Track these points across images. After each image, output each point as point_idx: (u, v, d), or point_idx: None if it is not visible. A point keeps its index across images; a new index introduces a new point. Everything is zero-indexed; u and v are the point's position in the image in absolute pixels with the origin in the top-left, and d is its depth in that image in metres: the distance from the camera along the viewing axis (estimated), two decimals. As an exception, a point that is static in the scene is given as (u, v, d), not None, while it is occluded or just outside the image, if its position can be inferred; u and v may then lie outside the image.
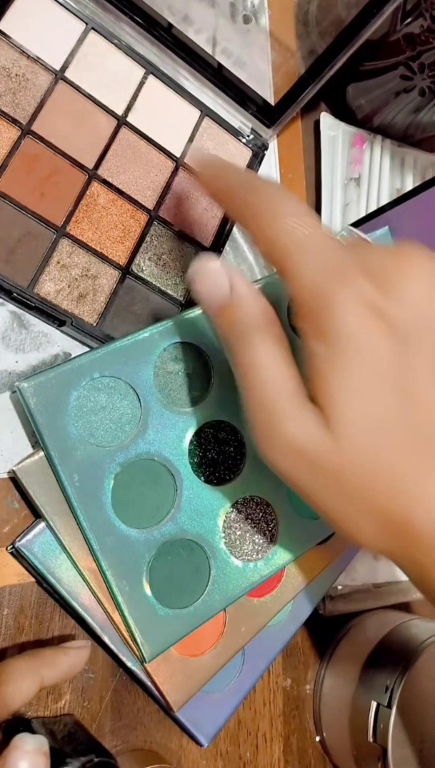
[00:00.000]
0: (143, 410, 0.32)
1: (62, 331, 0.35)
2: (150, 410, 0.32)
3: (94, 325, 0.34)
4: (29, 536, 0.31)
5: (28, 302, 0.33)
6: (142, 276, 0.36)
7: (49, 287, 0.33)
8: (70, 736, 0.29)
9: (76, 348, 0.35)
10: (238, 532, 0.34)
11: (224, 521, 0.34)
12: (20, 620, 0.32)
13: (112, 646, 0.32)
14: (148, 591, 0.31)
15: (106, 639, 0.32)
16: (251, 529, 0.34)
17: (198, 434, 0.33)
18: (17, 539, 0.31)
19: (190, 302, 0.37)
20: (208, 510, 0.33)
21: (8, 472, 0.32)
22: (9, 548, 0.31)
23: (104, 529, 0.30)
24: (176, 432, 0.32)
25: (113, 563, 0.30)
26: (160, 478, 0.32)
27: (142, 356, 0.32)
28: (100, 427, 0.31)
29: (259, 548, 0.34)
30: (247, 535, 0.34)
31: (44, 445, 0.30)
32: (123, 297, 0.35)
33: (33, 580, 0.32)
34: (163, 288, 0.37)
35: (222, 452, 0.34)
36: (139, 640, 0.30)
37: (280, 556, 0.35)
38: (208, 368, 0.34)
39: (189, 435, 0.33)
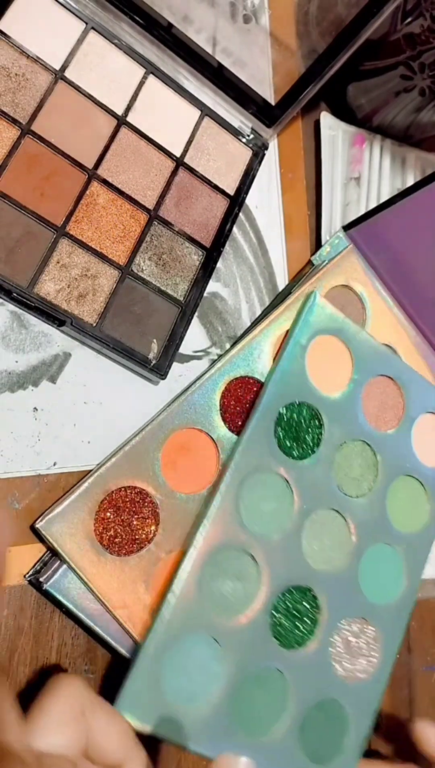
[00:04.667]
0: (225, 652, 0.32)
1: (62, 331, 0.35)
2: (226, 646, 0.32)
3: (94, 325, 0.34)
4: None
5: (28, 302, 0.32)
6: (142, 276, 0.36)
7: (48, 287, 0.33)
8: None
9: (76, 348, 0.35)
10: (348, 661, 0.36)
11: (335, 668, 0.35)
12: (20, 621, 0.32)
13: (117, 646, 0.32)
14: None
15: (112, 641, 0.32)
16: (356, 650, 0.36)
17: (271, 622, 0.34)
18: (33, 569, 0.32)
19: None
20: (317, 664, 0.35)
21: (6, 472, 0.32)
22: (27, 578, 0.31)
23: (249, 752, 0.31)
24: (256, 637, 0.33)
25: None
26: (267, 678, 0.33)
27: (190, 623, 0.31)
28: (194, 687, 0.31)
29: (370, 659, 0.36)
30: (357, 660, 0.36)
31: (168, 737, 0.30)
32: (123, 297, 0.35)
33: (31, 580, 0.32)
34: (163, 288, 0.37)
35: (297, 614, 0.35)
36: None
37: (389, 649, 0.37)
38: (249, 559, 0.34)
39: (266, 631, 0.33)
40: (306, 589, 0.35)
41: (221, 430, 0.36)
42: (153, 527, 0.33)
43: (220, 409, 0.36)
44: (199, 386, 0.36)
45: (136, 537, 0.32)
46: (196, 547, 0.32)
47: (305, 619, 0.35)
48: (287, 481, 0.35)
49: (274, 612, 0.34)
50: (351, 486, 0.38)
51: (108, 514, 0.32)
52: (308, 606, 0.35)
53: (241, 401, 0.36)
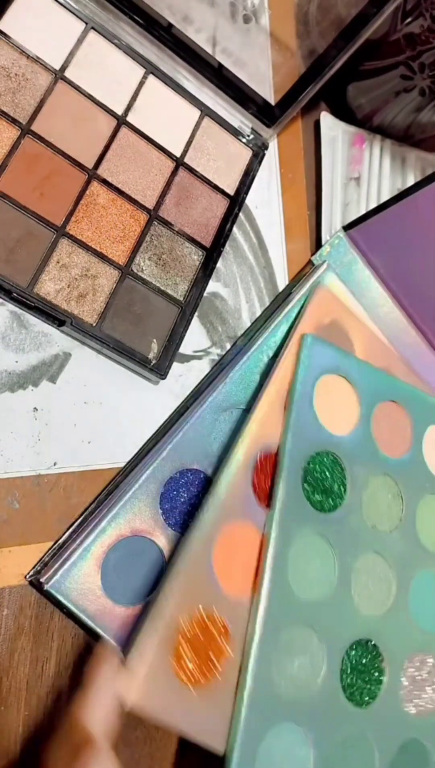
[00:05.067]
0: (306, 732, 0.32)
1: (62, 331, 0.35)
2: (305, 725, 0.32)
3: (94, 325, 0.34)
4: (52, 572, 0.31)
5: (28, 302, 0.32)
6: (142, 276, 0.36)
7: (48, 287, 0.33)
8: None
9: (76, 348, 0.35)
10: (417, 696, 0.37)
11: (409, 708, 0.36)
12: (20, 620, 0.32)
13: (117, 647, 0.32)
14: None
15: (112, 642, 0.31)
16: (421, 682, 0.37)
17: (342, 686, 0.34)
18: (33, 569, 0.31)
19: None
20: (392, 711, 0.35)
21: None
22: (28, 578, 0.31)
23: None
24: (331, 706, 0.33)
25: None
26: (351, 743, 0.34)
27: (269, 718, 0.31)
28: None
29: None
30: (423, 691, 0.37)
31: None
32: (123, 297, 0.35)
33: (31, 582, 0.32)
34: (162, 288, 0.37)
35: (364, 668, 0.35)
36: None
37: None
38: (308, 629, 0.34)
39: (339, 696, 0.34)
40: (366, 641, 0.35)
41: (261, 515, 0.34)
42: (227, 643, 0.32)
43: (254, 492, 0.34)
44: (226, 479, 0.33)
45: (214, 659, 0.31)
46: (256, 641, 0.31)
47: (372, 671, 0.35)
48: (327, 538, 0.35)
49: (342, 675, 0.34)
50: (383, 521, 0.38)
51: (182, 649, 0.30)
52: (372, 656, 0.35)
53: (270, 477, 0.35)
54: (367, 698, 0.35)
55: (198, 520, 0.32)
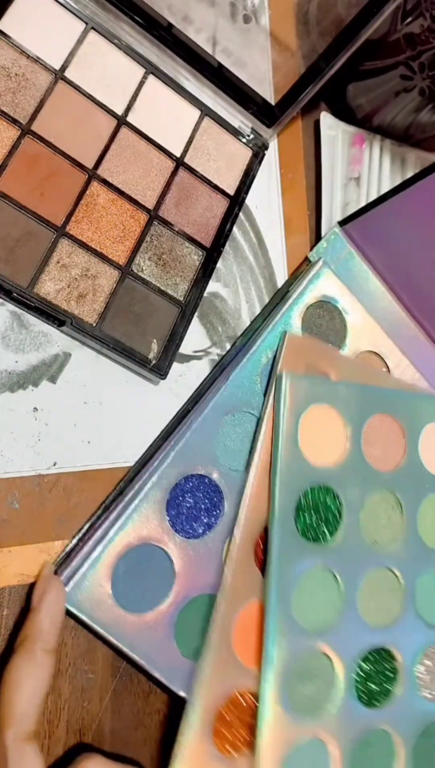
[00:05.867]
0: (332, 747, 0.34)
1: (62, 331, 0.35)
2: (330, 741, 0.34)
3: (94, 325, 0.34)
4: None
5: (28, 302, 0.33)
6: (142, 276, 0.36)
7: (48, 287, 0.33)
8: None
9: (76, 348, 0.35)
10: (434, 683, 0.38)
11: (426, 697, 0.37)
12: (20, 621, 0.32)
13: (118, 645, 0.32)
14: None
15: (113, 640, 0.32)
16: None
17: (358, 696, 0.35)
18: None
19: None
20: (410, 703, 0.37)
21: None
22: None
23: None
24: (351, 716, 0.34)
25: None
26: (374, 740, 0.35)
27: (291, 741, 0.32)
28: None
29: None
30: None
31: None
32: (123, 297, 0.35)
33: (33, 581, 0.32)
34: (163, 288, 0.37)
35: (377, 674, 0.36)
36: None
37: None
38: (319, 655, 0.35)
39: (358, 706, 0.35)
40: (377, 650, 0.36)
41: None
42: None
43: (260, 570, 0.34)
44: (230, 568, 0.34)
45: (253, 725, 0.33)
46: (269, 681, 0.32)
47: (386, 673, 0.36)
48: (328, 568, 0.35)
49: (357, 686, 0.35)
50: (384, 534, 0.38)
51: (222, 735, 0.32)
52: (385, 663, 0.36)
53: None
54: (383, 699, 0.36)
55: (214, 618, 0.33)
